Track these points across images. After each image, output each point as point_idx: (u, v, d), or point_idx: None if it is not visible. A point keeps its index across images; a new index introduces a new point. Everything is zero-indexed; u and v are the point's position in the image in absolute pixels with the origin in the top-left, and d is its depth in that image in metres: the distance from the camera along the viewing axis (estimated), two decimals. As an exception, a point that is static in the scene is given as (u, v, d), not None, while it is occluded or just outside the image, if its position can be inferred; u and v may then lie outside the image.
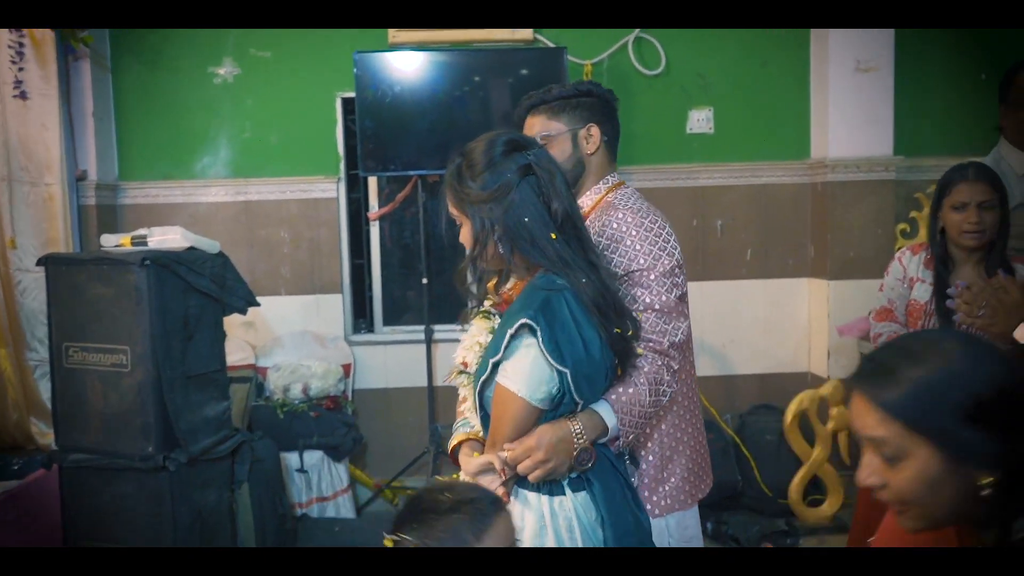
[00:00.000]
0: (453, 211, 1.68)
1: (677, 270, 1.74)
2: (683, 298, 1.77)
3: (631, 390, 1.63)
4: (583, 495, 1.58)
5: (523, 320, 1.50)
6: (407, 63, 3.84)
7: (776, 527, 3.65)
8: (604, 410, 1.60)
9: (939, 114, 4.17)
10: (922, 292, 2.43)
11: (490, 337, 1.64)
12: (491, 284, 1.72)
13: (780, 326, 4.25)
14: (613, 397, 1.61)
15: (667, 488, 1.84)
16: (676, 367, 1.70)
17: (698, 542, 1.90)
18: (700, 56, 4.11)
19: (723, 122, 4.15)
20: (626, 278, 1.72)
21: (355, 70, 3.78)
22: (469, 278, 1.66)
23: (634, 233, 1.74)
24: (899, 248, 3.89)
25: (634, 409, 1.62)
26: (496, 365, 1.55)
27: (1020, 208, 2.63)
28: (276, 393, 3.84)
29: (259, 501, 3.13)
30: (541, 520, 1.58)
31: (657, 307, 1.70)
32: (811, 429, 3.75)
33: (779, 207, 4.19)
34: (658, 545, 1.74)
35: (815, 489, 3.82)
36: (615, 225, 1.76)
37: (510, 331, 1.52)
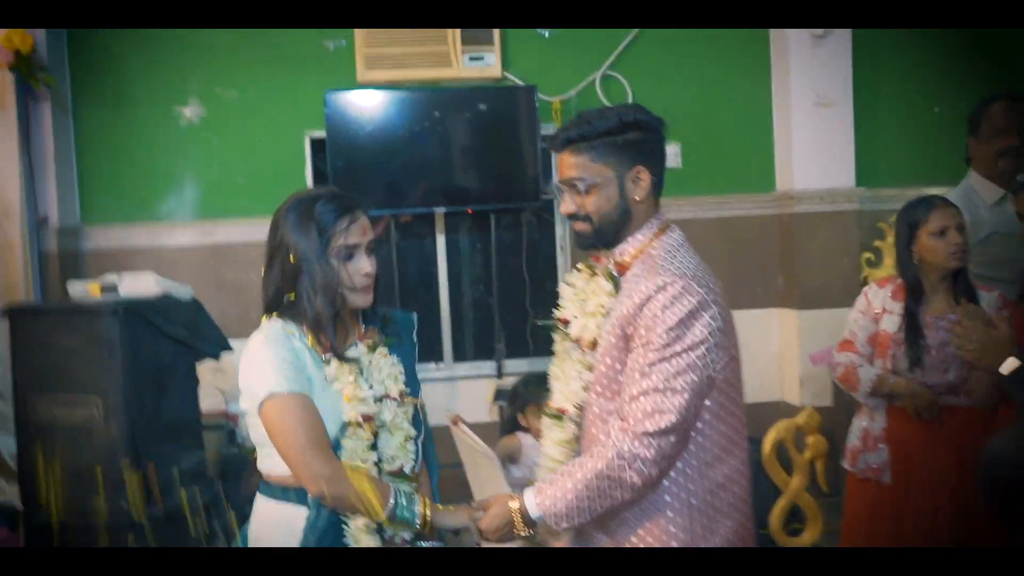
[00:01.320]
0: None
1: (700, 347, 1.54)
2: (698, 371, 1.55)
3: (566, 486, 1.56)
4: None
5: None
6: (377, 102, 3.84)
7: (757, 558, 3.65)
8: (529, 503, 1.58)
9: (898, 146, 4.30)
10: (890, 323, 2.48)
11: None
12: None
13: (752, 356, 4.28)
14: (541, 491, 1.58)
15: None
16: (652, 456, 1.52)
17: None
18: (666, 92, 4.18)
19: (690, 157, 4.22)
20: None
21: (326, 109, 3.76)
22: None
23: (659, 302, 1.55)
24: (864, 276, 4.00)
25: (567, 507, 1.56)
26: None
27: (993, 236, 2.71)
28: (248, 440, 3.73)
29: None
30: None
31: (649, 388, 1.53)
32: (788, 458, 3.77)
33: (747, 239, 4.25)
34: None
35: (794, 518, 3.84)
36: (643, 288, 1.57)
37: None
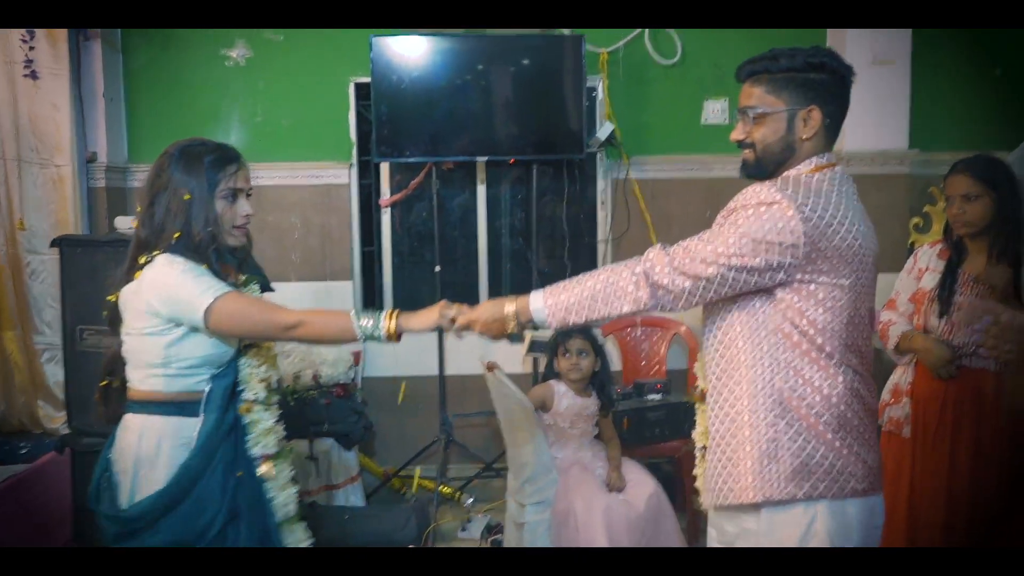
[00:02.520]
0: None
1: (769, 247, 1.58)
2: (752, 271, 1.61)
3: (576, 284, 1.71)
4: None
5: None
6: (423, 48, 3.80)
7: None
8: (535, 298, 1.74)
9: (954, 109, 4.15)
10: (930, 281, 2.52)
11: None
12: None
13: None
14: (551, 288, 1.73)
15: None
16: (669, 286, 1.64)
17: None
18: (716, 46, 4.07)
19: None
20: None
21: (371, 54, 3.74)
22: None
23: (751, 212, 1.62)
24: (911, 242, 3.91)
25: (569, 304, 1.70)
26: None
27: (1049, 203, 2.62)
28: (286, 380, 3.81)
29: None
30: None
31: (705, 242, 1.65)
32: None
33: None
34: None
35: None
36: (748, 193, 1.64)
37: None
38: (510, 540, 2.97)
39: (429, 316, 1.87)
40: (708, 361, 1.78)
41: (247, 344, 1.91)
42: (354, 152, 4.12)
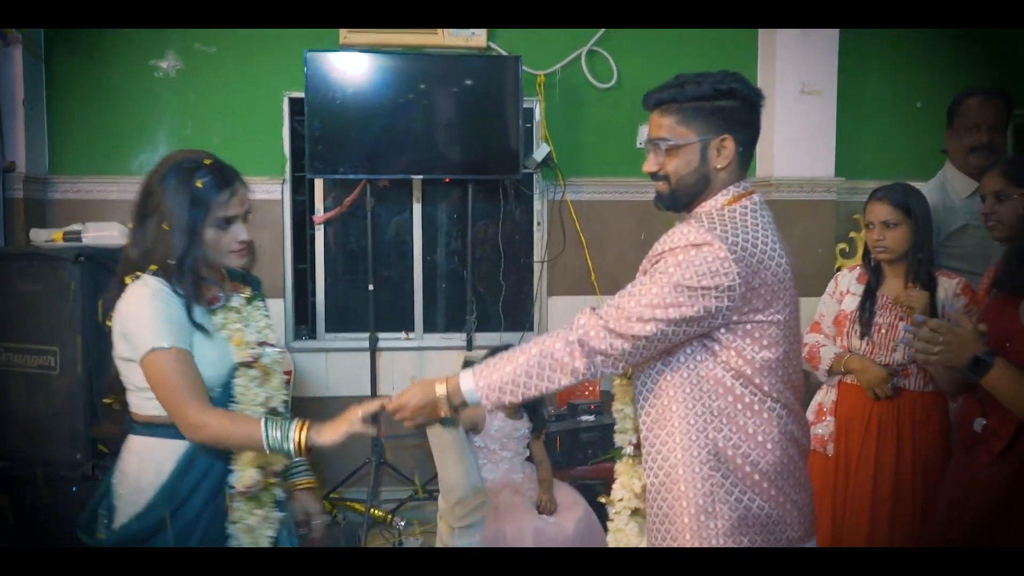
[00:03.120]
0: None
1: (705, 293, 1.53)
2: (679, 322, 1.55)
3: (507, 362, 1.61)
4: None
5: None
6: (359, 65, 3.77)
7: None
8: (465, 379, 1.64)
9: (879, 138, 4.31)
10: (851, 303, 2.59)
11: None
12: None
13: (723, 341, 4.30)
14: (481, 367, 1.64)
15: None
16: (607, 352, 1.56)
17: None
18: (651, 72, 4.10)
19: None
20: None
21: (306, 69, 3.69)
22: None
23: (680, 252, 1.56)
24: (838, 267, 4.02)
25: (503, 384, 1.61)
26: None
27: (964, 228, 2.73)
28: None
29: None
30: None
31: (639, 297, 1.56)
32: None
33: None
34: None
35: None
36: (676, 236, 1.57)
37: None
38: (440, 564, 2.93)
39: (339, 427, 1.71)
40: (639, 410, 1.70)
41: (242, 363, 1.76)
42: (287, 168, 4.05)
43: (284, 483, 1.87)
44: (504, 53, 4.02)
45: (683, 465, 1.60)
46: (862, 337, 2.52)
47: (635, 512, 1.77)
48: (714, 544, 1.59)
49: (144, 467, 1.71)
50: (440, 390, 1.67)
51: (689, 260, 1.54)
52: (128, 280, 1.71)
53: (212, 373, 1.71)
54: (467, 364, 3.75)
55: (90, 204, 3.90)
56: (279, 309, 4.05)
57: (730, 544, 1.58)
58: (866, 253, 2.60)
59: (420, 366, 4.12)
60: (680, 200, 1.67)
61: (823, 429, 2.62)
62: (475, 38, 3.99)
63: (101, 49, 3.89)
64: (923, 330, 1.83)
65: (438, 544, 3.00)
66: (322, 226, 4.18)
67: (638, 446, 1.73)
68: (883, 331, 2.50)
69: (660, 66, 4.13)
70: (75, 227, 2.81)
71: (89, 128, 3.92)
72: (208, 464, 1.72)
